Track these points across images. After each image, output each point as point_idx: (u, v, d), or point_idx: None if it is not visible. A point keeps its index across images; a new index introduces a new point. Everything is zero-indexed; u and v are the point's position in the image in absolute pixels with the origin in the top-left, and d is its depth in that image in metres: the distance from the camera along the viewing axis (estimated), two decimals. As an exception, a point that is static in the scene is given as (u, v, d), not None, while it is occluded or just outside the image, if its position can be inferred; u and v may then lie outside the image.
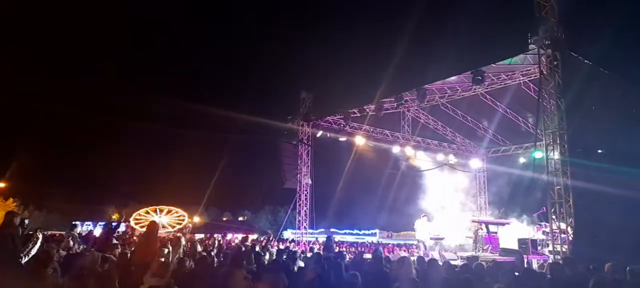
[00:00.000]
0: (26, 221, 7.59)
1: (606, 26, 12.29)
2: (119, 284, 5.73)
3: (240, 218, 58.72)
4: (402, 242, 28.09)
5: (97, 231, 22.62)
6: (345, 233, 36.78)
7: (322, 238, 23.88)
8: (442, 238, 16.06)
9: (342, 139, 20.78)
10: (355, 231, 38.98)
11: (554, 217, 11.84)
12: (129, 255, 8.61)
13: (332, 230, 33.78)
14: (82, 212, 46.47)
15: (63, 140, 53.01)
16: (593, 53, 12.56)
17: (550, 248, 12.26)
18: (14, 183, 41.53)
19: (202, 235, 26.08)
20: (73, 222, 15.16)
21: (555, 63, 12.17)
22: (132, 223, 26.22)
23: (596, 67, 12.85)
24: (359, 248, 23.00)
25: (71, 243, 11.06)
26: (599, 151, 12.39)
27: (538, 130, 13.07)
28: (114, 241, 10.81)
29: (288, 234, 27.48)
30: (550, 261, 10.66)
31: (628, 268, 6.07)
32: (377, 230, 37.05)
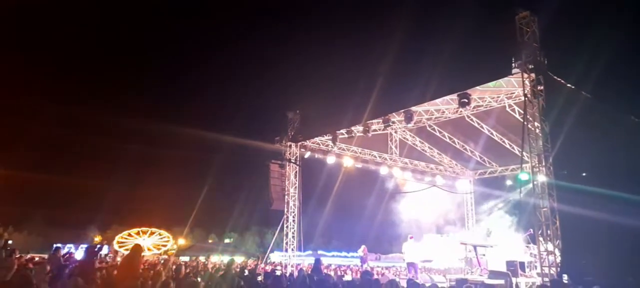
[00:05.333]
0: (10, 241, 7.44)
1: (585, 51, 12.65)
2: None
3: (227, 240, 57.91)
4: (390, 265, 27.91)
5: (79, 254, 22.04)
6: (333, 256, 36.49)
7: (308, 261, 23.62)
8: (430, 261, 16.00)
9: (330, 160, 20.75)
10: (343, 253, 38.65)
11: (541, 239, 11.91)
12: (111, 278, 8.41)
13: (319, 252, 33.50)
14: (63, 234, 45.32)
15: (44, 160, 52.11)
16: (574, 76, 12.87)
17: (538, 270, 12.29)
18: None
19: (187, 258, 25.61)
20: (55, 245, 14.77)
21: (538, 86, 12.42)
22: (115, 245, 25.64)
23: (577, 90, 13.16)
24: (343, 270, 22.80)
25: (54, 265, 10.75)
26: (583, 174, 12.55)
27: (524, 153, 13.23)
28: (97, 264, 10.55)
29: (275, 257, 27.13)
30: (539, 283, 10.68)
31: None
32: (365, 253, 36.79)
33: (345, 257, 37.71)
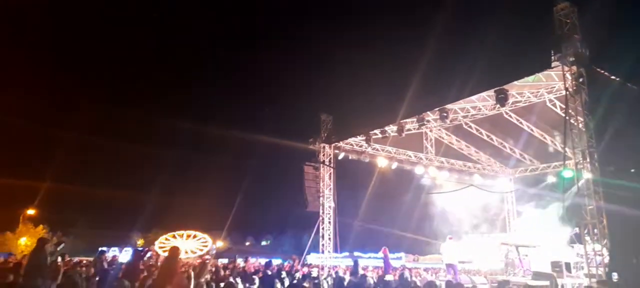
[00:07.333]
0: (62, 245, 7.82)
1: (632, 42, 12.05)
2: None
3: (263, 243, 58.65)
4: (429, 266, 27.45)
5: (123, 256, 22.84)
6: (369, 257, 36.17)
7: (345, 263, 23.58)
8: (470, 262, 15.63)
9: (365, 160, 20.65)
10: (380, 254, 38.31)
11: (587, 238, 11.43)
12: (153, 280, 8.66)
13: (355, 253, 33.34)
14: (107, 237, 47.02)
15: (87, 166, 54.37)
16: (620, 69, 12.28)
17: (585, 271, 11.80)
18: (42, 210, 42.58)
19: (225, 260, 26.06)
20: (100, 248, 15.39)
21: (580, 80, 11.95)
22: (156, 248, 26.41)
23: (624, 83, 12.55)
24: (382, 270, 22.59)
25: (99, 267, 11.20)
26: (632, 170, 11.96)
27: (566, 149, 12.73)
28: (141, 267, 10.92)
29: (312, 258, 27.21)
30: (586, 284, 10.26)
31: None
32: (402, 254, 36.32)
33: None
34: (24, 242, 40.08)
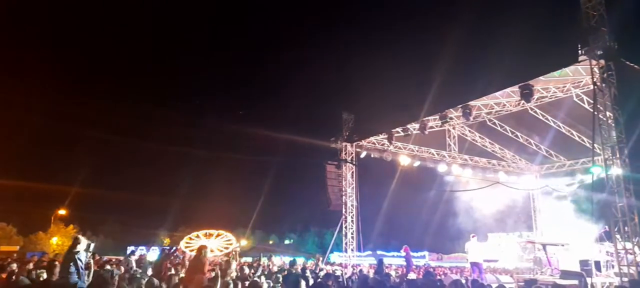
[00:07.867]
0: (92, 245, 8.03)
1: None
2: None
3: (286, 241, 58.97)
4: (453, 265, 27.15)
5: (150, 255, 23.36)
6: (392, 256, 36.03)
7: (368, 262, 23.52)
8: (495, 260, 15.40)
9: (387, 159, 20.58)
10: (402, 253, 38.12)
11: (618, 236, 11.12)
12: (179, 278, 8.86)
13: (378, 252, 33.25)
14: (135, 236, 48.13)
15: (116, 167, 55.72)
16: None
17: (616, 269, 11.49)
18: (73, 210, 43.95)
19: (250, 259, 26.31)
20: (130, 248, 15.76)
21: (609, 73, 11.62)
22: (182, 247, 26.80)
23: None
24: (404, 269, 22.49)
25: (128, 267, 11.49)
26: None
27: (595, 145, 12.41)
28: (168, 265, 11.16)
29: (335, 257, 27.27)
30: (617, 284, 10.00)
31: None
32: (426, 252, 36.05)
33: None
34: (56, 241, 41.44)
